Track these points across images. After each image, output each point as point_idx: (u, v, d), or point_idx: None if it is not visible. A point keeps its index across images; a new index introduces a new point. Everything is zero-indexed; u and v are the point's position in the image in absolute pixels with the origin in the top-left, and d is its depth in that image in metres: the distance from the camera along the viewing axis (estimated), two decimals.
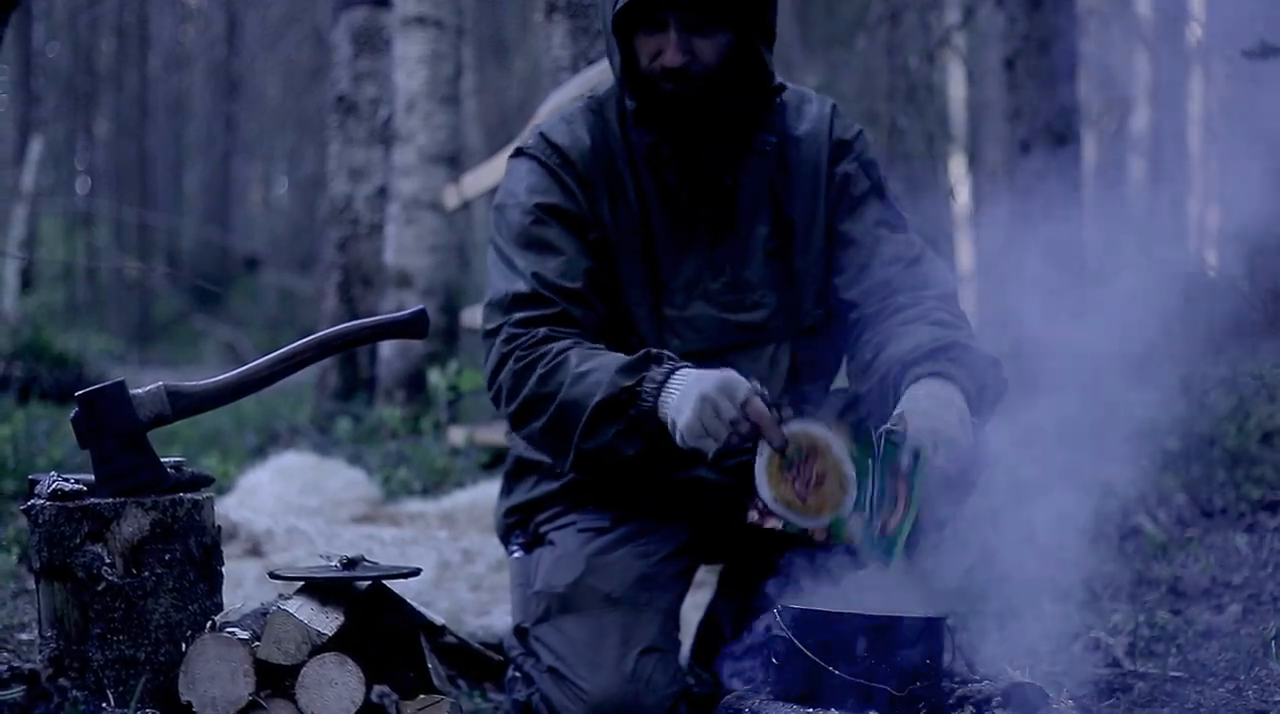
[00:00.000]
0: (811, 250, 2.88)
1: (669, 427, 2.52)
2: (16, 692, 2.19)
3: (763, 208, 2.87)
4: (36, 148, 14.70)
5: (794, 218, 2.87)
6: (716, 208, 2.85)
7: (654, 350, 2.58)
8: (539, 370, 2.64)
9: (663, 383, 2.53)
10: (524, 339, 2.69)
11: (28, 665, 2.32)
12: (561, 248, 2.77)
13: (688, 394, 2.47)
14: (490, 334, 2.77)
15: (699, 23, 2.66)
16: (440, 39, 7.58)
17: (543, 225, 2.78)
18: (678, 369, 2.54)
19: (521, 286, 2.74)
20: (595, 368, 2.59)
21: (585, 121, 2.87)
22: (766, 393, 2.48)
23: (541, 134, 2.87)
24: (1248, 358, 4.47)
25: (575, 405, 2.60)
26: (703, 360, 2.83)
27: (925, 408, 2.50)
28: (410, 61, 7.54)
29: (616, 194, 2.84)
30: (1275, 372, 3.44)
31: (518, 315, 2.72)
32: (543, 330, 2.69)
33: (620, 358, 2.60)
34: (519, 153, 2.90)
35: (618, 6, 2.64)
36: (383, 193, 8.20)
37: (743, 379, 2.46)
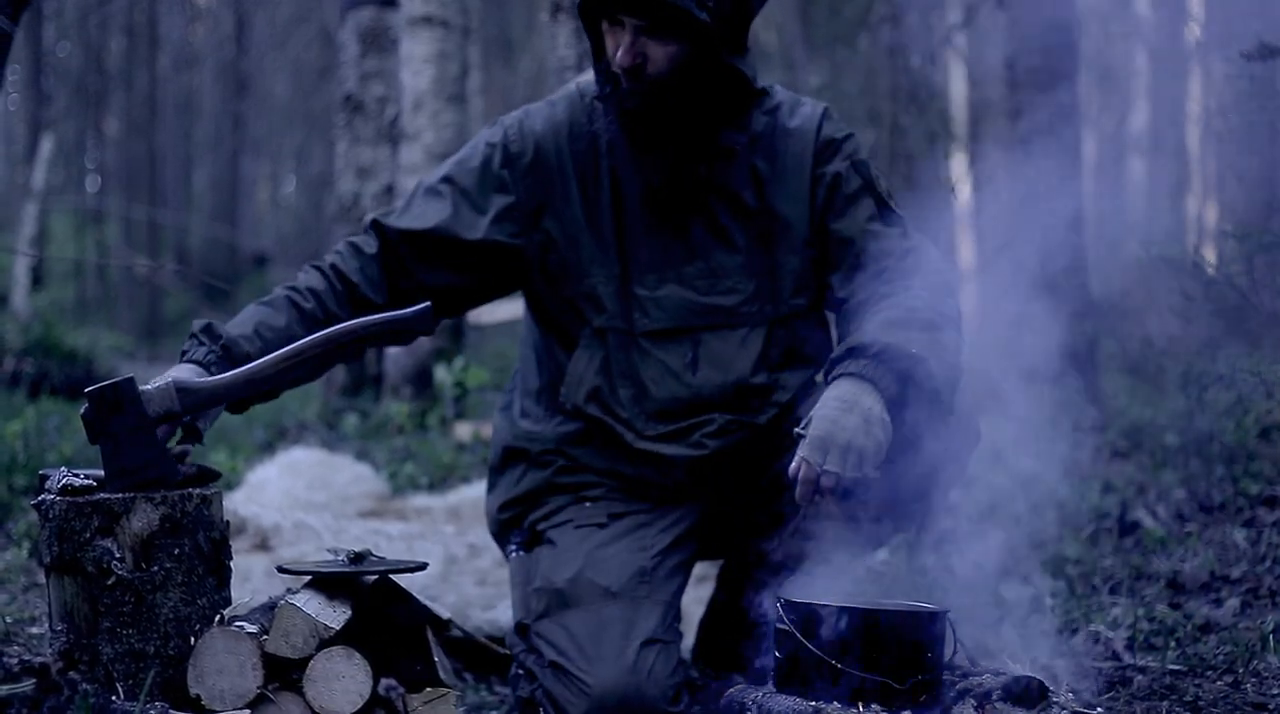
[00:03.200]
0: (793, 239, 2.91)
1: None
2: (27, 685, 2.19)
3: (745, 195, 2.91)
4: (47, 146, 14.72)
5: (775, 206, 2.91)
6: (691, 194, 2.89)
7: (211, 328, 2.64)
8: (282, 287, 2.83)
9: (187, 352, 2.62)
10: (318, 261, 2.89)
11: (38, 659, 2.32)
12: (428, 214, 2.90)
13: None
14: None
15: (651, 28, 2.69)
16: (447, 38, 7.59)
17: (441, 186, 2.93)
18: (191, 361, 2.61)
19: (375, 214, 2.95)
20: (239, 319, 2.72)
21: (568, 103, 2.96)
22: None
23: (522, 114, 2.98)
24: (1246, 354, 4.48)
25: None
26: (670, 338, 2.88)
27: (826, 412, 2.55)
28: (417, 61, 7.56)
29: (589, 175, 2.90)
30: (1273, 368, 3.45)
31: (354, 238, 2.92)
32: (328, 259, 2.88)
33: (237, 323, 2.69)
34: (496, 122, 3.00)
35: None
36: (390, 191, 8.22)
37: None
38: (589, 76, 2.99)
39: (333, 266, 2.84)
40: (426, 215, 2.89)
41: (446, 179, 2.93)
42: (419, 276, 2.88)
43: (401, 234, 2.88)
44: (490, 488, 3.13)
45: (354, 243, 2.89)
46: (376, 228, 2.90)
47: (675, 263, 2.89)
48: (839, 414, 2.55)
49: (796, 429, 2.56)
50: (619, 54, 2.71)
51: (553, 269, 2.92)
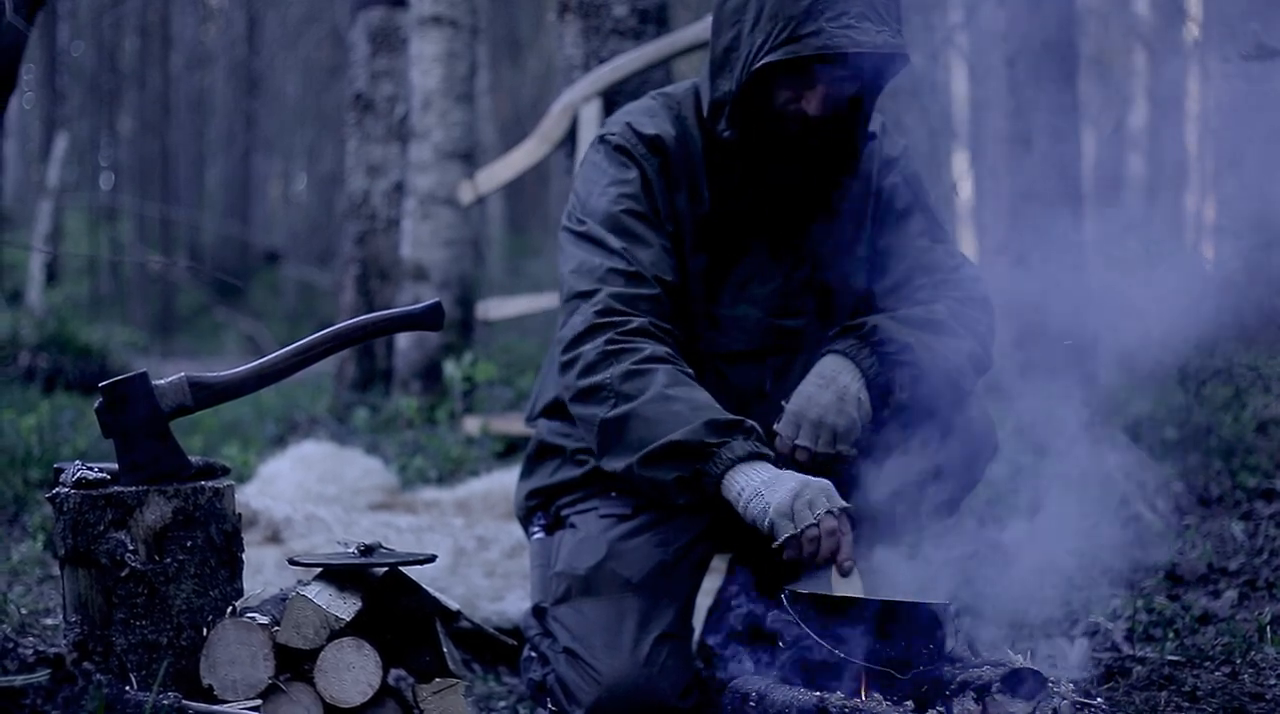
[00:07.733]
0: (853, 259, 2.94)
1: (736, 501, 2.54)
2: (42, 675, 2.17)
3: (819, 217, 2.92)
4: (61, 144, 14.75)
5: (843, 224, 2.92)
6: (778, 217, 2.90)
7: (749, 422, 2.59)
8: (626, 364, 2.66)
9: (740, 459, 2.54)
10: (621, 321, 2.71)
11: (53, 650, 2.31)
12: (649, 240, 2.81)
13: (783, 480, 2.50)
14: (581, 296, 2.77)
15: (847, 76, 2.68)
16: (456, 38, 7.62)
17: (631, 217, 2.82)
18: (761, 455, 2.56)
19: (619, 263, 2.77)
20: (682, 400, 2.60)
21: (667, 116, 2.91)
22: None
23: (628, 124, 2.90)
24: (1244, 349, 4.49)
25: (647, 426, 2.61)
26: (744, 361, 2.89)
27: (805, 389, 2.65)
28: (426, 60, 7.59)
29: (693, 188, 2.88)
30: (1271, 363, 3.47)
31: (615, 288, 2.75)
32: (642, 320, 2.72)
33: (710, 405, 2.60)
34: (602, 141, 2.93)
35: (773, 57, 2.63)
36: (399, 188, 8.25)
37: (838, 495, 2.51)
38: (676, 88, 2.99)
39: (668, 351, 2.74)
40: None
41: (630, 200, 2.85)
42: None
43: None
44: (523, 475, 3.15)
45: (627, 293, 2.77)
46: (644, 270, 2.79)
47: (751, 282, 2.91)
48: (815, 390, 2.64)
49: (783, 401, 2.66)
50: (811, 105, 2.68)
51: None
